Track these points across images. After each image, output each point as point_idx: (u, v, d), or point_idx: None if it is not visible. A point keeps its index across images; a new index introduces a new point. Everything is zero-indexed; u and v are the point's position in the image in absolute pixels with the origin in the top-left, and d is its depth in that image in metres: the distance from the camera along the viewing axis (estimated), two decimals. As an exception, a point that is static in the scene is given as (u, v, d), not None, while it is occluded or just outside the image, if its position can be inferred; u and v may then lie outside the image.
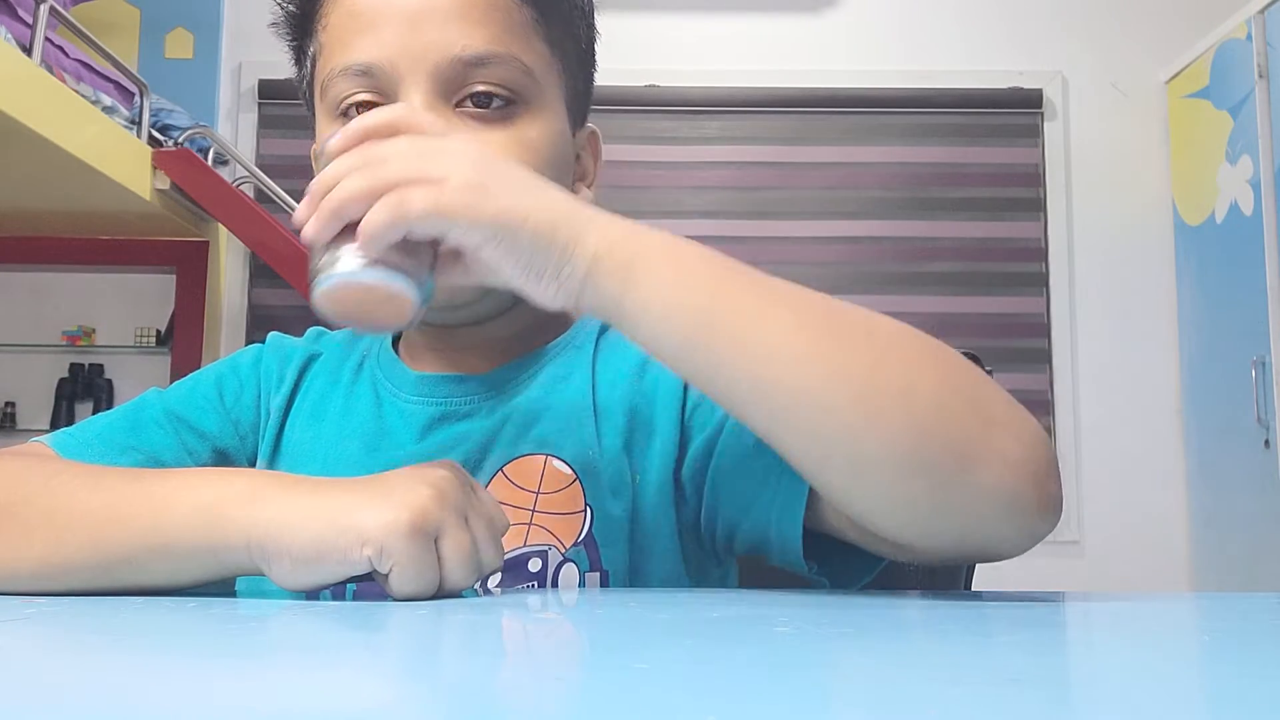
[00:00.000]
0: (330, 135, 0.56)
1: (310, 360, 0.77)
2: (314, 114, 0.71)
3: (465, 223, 0.51)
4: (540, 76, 0.67)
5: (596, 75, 0.76)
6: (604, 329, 0.72)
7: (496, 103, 0.65)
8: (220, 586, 0.52)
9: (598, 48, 0.75)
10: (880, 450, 0.49)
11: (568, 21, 0.70)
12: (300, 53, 0.73)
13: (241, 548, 0.49)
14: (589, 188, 0.75)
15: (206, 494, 0.52)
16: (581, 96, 0.73)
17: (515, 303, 0.70)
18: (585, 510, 0.64)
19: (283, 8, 0.72)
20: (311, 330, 0.80)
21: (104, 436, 0.69)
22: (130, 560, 0.52)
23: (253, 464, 0.73)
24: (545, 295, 0.53)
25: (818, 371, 0.50)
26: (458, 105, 0.65)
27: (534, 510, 0.64)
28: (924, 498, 0.50)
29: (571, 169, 0.72)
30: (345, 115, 0.66)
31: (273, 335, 0.80)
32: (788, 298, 0.52)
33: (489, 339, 0.71)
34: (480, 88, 0.64)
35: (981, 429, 0.50)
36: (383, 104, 0.65)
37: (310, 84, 0.72)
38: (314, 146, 0.72)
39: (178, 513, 0.52)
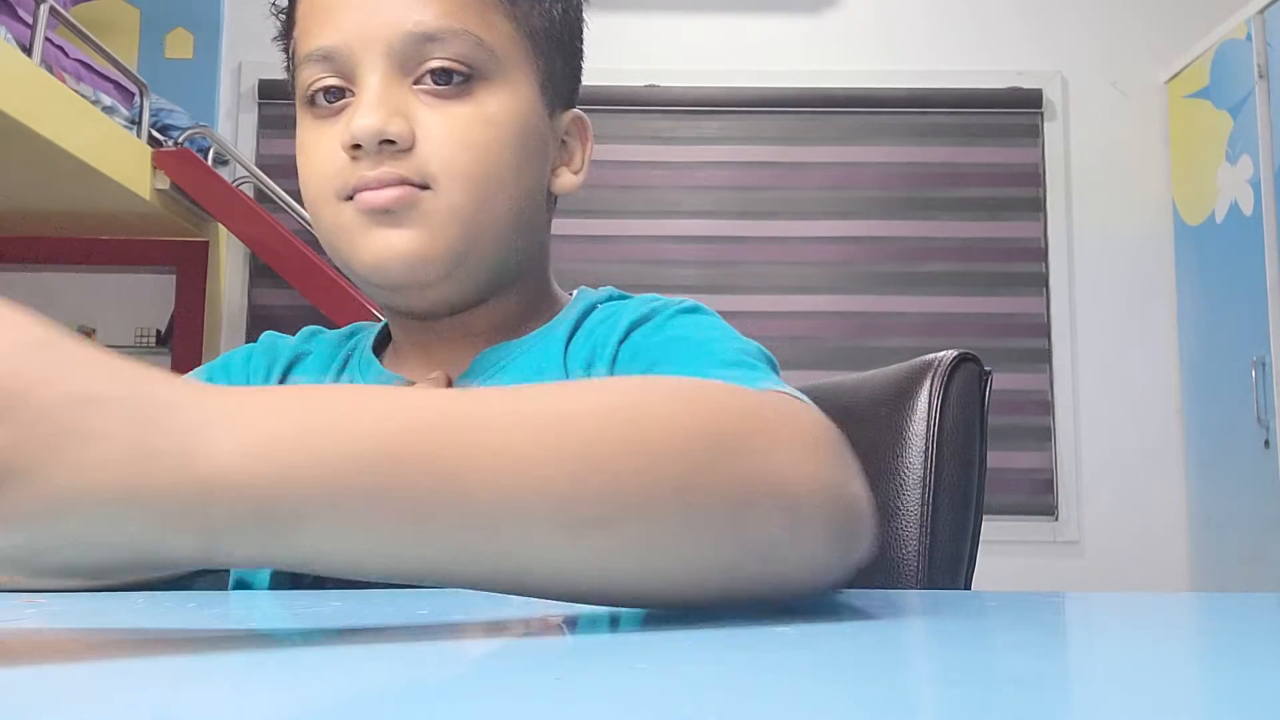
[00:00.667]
0: None
1: (297, 359, 0.77)
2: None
3: None
4: (501, 52, 0.67)
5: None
6: (588, 312, 0.71)
7: (456, 79, 0.65)
8: (214, 581, 0.51)
9: (588, 35, 0.75)
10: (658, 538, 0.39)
11: (535, 1, 0.70)
12: (288, 55, 0.75)
13: None
14: (576, 174, 0.74)
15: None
16: (561, 78, 0.72)
17: (494, 290, 0.70)
18: None
19: (275, 15, 0.74)
20: (305, 329, 0.80)
21: None
22: None
23: None
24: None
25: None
26: (416, 83, 0.65)
27: None
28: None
29: (546, 151, 0.71)
30: (312, 102, 0.68)
31: (266, 334, 0.80)
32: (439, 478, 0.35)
33: (471, 332, 0.71)
34: (435, 64, 0.65)
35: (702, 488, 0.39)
36: (346, 87, 0.67)
37: (293, 75, 0.73)
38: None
39: None
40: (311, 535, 0.33)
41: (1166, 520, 3.35)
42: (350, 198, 0.66)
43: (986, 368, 0.87)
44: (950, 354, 0.86)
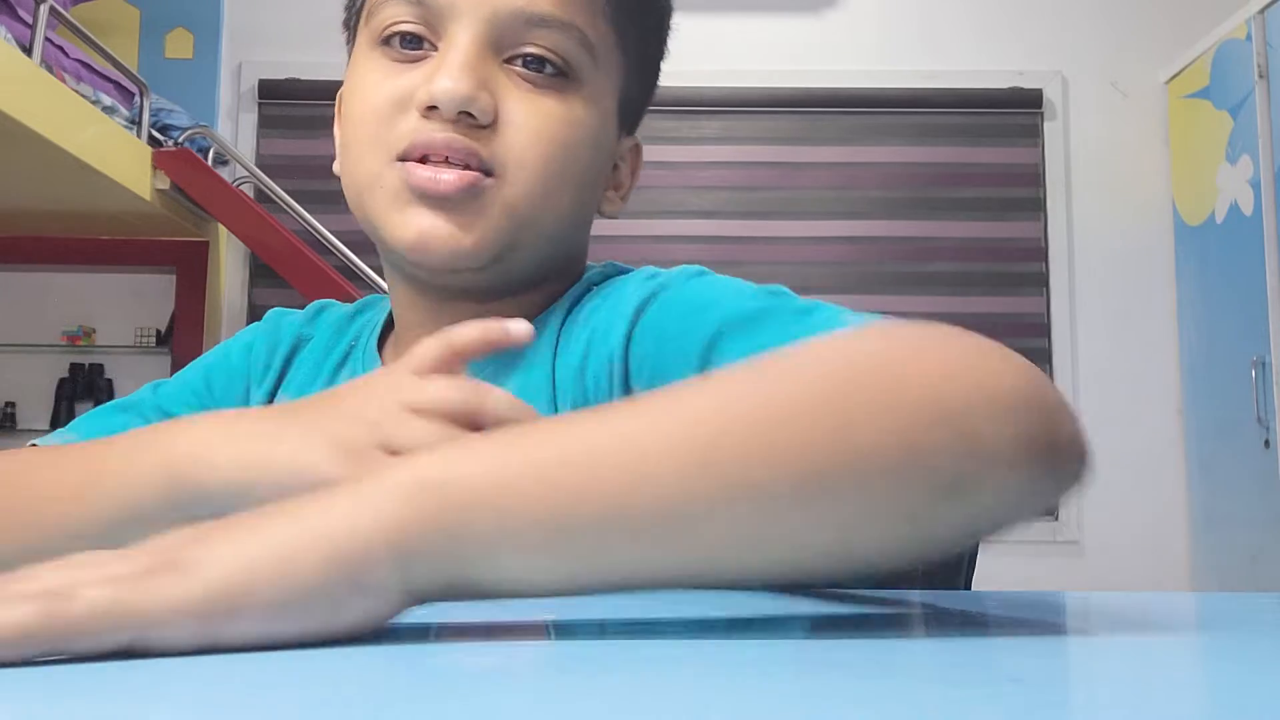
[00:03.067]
0: None
1: (299, 345, 0.74)
2: (351, 48, 0.67)
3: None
4: (599, 58, 0.64)
5: None
6: (579, 299, 0.67)
7: (549, 69, 0.62)
8: None
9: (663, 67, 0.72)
10: (862, 542, 0.38)
11: (641, 20, 0.68)
12: None
13: (205, 505, 0.48)
14: (622, 199, 0.71)
15: (162, 449, 0.51)
16: (634, 105, 0.70)
17: (523, 287, 0.66)
18: None
19: None
20: (312, 306, 0.77)
21: (96, 434, 0.67)
22: (105, 536, 0.50)
23: None
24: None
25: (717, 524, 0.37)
26: (507, 62, 0.61)
27: None
28: (919, 540, 0.39)
29: (606, 171, 0.69)
30: (387, 44, 0.62)
31: (271, 313, 0.77)
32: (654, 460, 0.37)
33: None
34: (535, 49, 0.61)
35: (958, 453, 0.38)
36: (426, 37, 0.61)
37: (358, 14, 0.67)
38: (341, 91, 0.67)
39: (138, 474, 0.51)
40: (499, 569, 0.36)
41: (1166, 520, 3.35)
42: (403, 159, 0.61)
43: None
44: (950, 354, 0.86)
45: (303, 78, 3.42)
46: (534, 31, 0.61)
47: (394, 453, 0.46)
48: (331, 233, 3.18)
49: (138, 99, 3.05)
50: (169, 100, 3.22)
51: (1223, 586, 3.10)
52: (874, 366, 0.41)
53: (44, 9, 2.53)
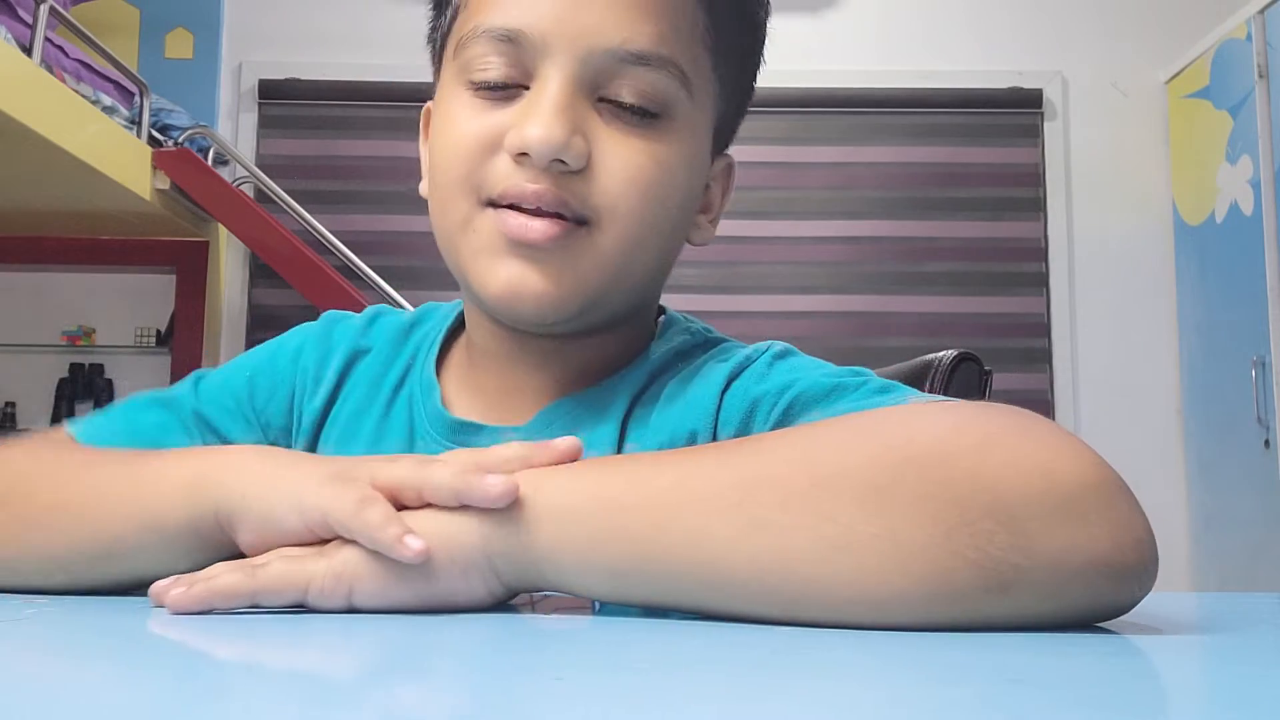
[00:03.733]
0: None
1: (355, 359, 0.70)
2: (438, 71, 0.65)
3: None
4: (695, 91, 0.61)
5: None
6: (654, 377, 0.65)
7: (648, 108, 0.59)
8: None
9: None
10: (892, 615, 0.40)
11: (739, 40, 0.64)
12: (441, 9, 0.66)
13: (211, 515, 0.48)
14: (711, 223, 0.68)
15: (191, 468, 0.51)
16: (729, 124, 0.68)
17: (610, 326, 0.64)
18: None
19: None
20: (367, 312, 0.73)
21: (129, 434, 0.66)
22: (123, 541, 0.51)
23: None
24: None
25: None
26: (600, 100, 0.58)
27: None
28: (965, 621, 0.40)
29: (698, 199, 0.66)
30: (474, 88, 0.59)
31: (325, 316, 0.73)
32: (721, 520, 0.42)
33: (563, 360, 0.65)
34: (630, 96, 0.58)
35: (1007, 546, 0.39)
36: (518, 85, 0.58)
37: (445, 37, 0.64)
38: (427, 106, 0.66)
39: (164, 490, 0.51)
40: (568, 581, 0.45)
41: (1166, 520, 3.35)
42: (492, 204, 0.58)
43: (986, 368, 0.87)
44: (950, 354, 0.86)
45: (303, 78, 3.42)
46: (630, 70, 0.58)
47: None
48: (331, 233, 3.18)
49: (138, 99, 3.05)
50: (169, 100, 3.22)
51: (1223, 586, 3.10)
52: (932, 446, 0.42)
53: (44, 9, 2.53)
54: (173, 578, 0.45)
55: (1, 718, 0.24)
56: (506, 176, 0.58)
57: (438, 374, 0.68)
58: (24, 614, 0.44)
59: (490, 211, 0.59)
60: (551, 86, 0.57)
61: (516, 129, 0.57)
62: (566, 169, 0.57)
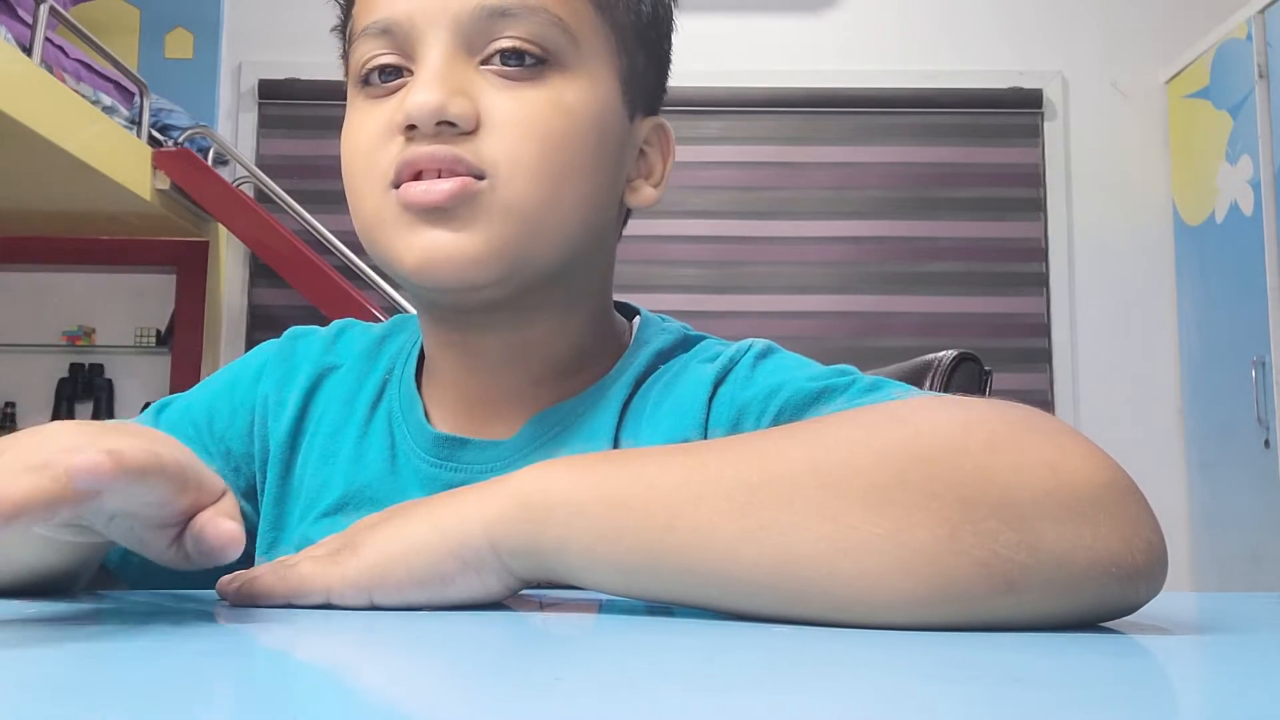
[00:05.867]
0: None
1: (322, 377, 0.69)
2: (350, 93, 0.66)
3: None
4: (580, 36, 0.60)
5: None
6: (639, 382, 0.64)
7: (528, 61, 0.59)
8: (208, 576, 0.50)
9: (675, 40, 0.69)
10: (897, 615, 0.40)
11: None
12: (344, 37, 0.67)
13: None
14: (655, 188, 0.67)
15: None
16: (643, 79, 0.66)
17: (554, 304, 0.63)
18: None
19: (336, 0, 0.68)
20: (333, 327, 0.73)
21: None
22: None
23: (249, 492, 0.68)
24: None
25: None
26: (484, 63, 0.59)
27: None
28: (967, 619, 0.40)
29: (623, 157, 0.65)
30: (367, 82, 0.61)
31: (288, 334, 0.72)
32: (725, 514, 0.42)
33: (525, 360, 0.64)
34: (506, 43, 0.58)
35: (1013, 545, 0.39)
36: (404, 66, 0.60)
37: (347, 56, 0.66)
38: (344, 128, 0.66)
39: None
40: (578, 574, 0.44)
41: (1166, 520, 3.27)
42: (397, 185, 0.59)
43: (986, 367, 0.87)
44: (950, 354, 0.86)
45: (303, 78, 3.42)
46: (500, 23, 0.59)
47: None
48: (331, 233, 3.18)
49: (138, 99, 3.05)
50: (169, 100, 3.22)
51: (1223, 586, 3.10)
52: (939, 444, 0.42)
53: (44, 9, 2.53)
54: (234, 574, 0.48)
55: (3, 717, 0.24)
56: (401, 152, 0.58)
57: (418, 388, 0.67)
58: (25, 614, 0.44)
59: (395, 192, 0.59)
60: (429, 58, 0.58)
61: (398, 107, 0.58)
62: (457, 130, 0.58)
